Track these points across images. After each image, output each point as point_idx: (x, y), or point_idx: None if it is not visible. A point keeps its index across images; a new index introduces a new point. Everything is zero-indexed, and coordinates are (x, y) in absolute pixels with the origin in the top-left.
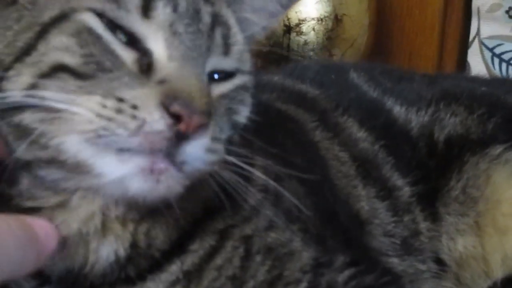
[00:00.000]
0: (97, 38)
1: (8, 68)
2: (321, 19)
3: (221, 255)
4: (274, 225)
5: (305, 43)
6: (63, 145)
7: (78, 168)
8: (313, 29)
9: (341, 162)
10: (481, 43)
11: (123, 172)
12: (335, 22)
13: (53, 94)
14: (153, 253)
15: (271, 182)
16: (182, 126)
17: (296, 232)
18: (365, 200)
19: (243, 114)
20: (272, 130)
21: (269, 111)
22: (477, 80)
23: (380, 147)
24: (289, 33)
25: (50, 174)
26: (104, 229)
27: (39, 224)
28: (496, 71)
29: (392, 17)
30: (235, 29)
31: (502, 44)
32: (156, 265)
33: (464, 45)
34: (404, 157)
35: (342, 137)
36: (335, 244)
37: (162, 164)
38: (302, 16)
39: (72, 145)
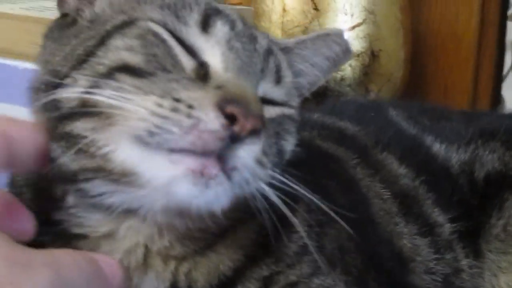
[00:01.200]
0: (162, 41)
1: (65, 77)
2: (358, 55)
3: None
4: (317, 270)
5: (342, 79)
6: (112, 153)
7: (125, 177)
8: (350, 65)
9: (383, 199)
10: None
11: (173, 174)
12: (371, 58)
13: (109, 94)
14: None
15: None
16: (236, 127)
17: (339, 276)
18: (407, 237)
19: (290, 142)
20: (314, 169)
21: (310, 149)
22: None
23: (420, 183)
24: None
25: (96, 187)
26: (145, 264)
27: (105, 261)
28: None
29: (427, 52)
30: (285, 69)
31: None
32: None
33: (498, 78)
34: (444, 194)
35: (383, 174)
36: (377, 286)
37: (212, 167)
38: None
39: (122, 150)
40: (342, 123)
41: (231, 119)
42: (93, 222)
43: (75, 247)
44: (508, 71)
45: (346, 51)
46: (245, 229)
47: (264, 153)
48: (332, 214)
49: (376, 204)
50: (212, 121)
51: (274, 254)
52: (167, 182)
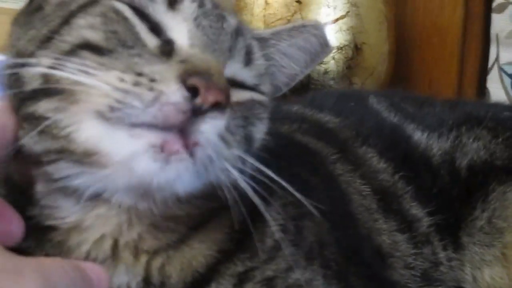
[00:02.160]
0: (123, 19)
1: (30, 56)
2: (341, 48)
3: None
4: (295, 264)
5: (326, 72)
6: (74, 133)
7: (88, 157)
8: (333, 58)
9: (363, 196)
10: (501, 69)
11: (133, 149)
12: (355, 51)
13: (71, 70)
14: None
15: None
16: (198, 100)
17: (317, 270)
18: (386, 233)
19: (260, 129)
20: (293, 165)
21: (290, 144)
22: (499, 105)
23: (399, 178)
24: None
25: (60, 169)
26: (115, 257)
27: (91, 268)
28: None
29: (412, 45)
30: (257, 52)
31: None
32: None
33: (483, 72)
34: (424, 186)
35: (363, 169)
36: (357, 281)
37: (173, 142)
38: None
39: (84, 129)
40: (322, 115)
41: (193, 92)
42: (62, 212)
43: (47, 240)
44: (493, 64)
45: (324, 45)
46: (218, 223)
47: (230, 131)
48: (310, 207)
49: (356, 200)
50: (174, 93)
51: (249, 249)
52: (128, 158)
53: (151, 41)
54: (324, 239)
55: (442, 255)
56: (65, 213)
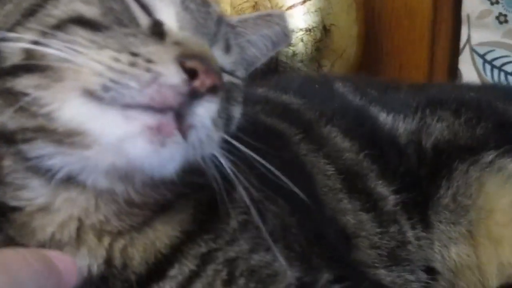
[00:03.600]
0: None
1: (10, 30)
2: (309, 30)
3: (201, 279)
4: (257, 246)
5: (294, 54)
6: (57, 111)
7: (69, 137)
8: (302, 40)
9: (327, 175)
10: (472, 50)
11: (127, 131)
12: (323, 33)
13: (59, 47)
14: (129, 275)
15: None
16: (197, 83)
17: (280, 251)
18: (351, 213)
19: (237, 110)
20: (256, 146)
21: (253, 125)
22: (466, 86)
23: (364, 156)
24: None
25: (35, 148)
26: (78, 239)
27: (58, 258)
28: (488, 78)
29: (381, 28)
30: (232, 40)
31: (493, 50)
32: None
33: (455, 53)
34: (390, 165)
35: (327, 149)
36: (321, 262)
37: (170, 125)
38: (290, 27)
39: (69, 108)
40: (286, 97)
41: (191, 74)
42: (30, 193)
43: (8, 221)
44: (465, 45)
45: (286, 35)
46: (183, 204)
47: (219, 115)
48: (275, 191)
49: (320, 181)
50: (172, 75)
51: (213, 231)
52: (120, 139)
53: (144, 20)
54: (288, 222)
55: (410, 234)
56: (33, 194)
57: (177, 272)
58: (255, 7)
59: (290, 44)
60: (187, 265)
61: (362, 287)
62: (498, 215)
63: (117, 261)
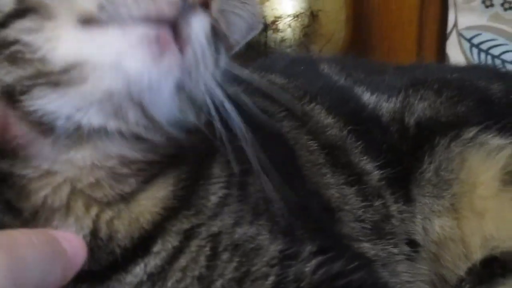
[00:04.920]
0: None
1: None
2: (297, 16)
3: (185, 255)
4: (240, 220)
5: (282, 40)
6: (51, 51)
7: (66, 74)
8: (290, 25)
9: (310, 151)
10: (459, 34)
11: (125, 46)
12: (311, 18)
13: None
14: (114, 248)
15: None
16: None
17: (263, 225)
18: (334, 187)
19: (223, 59)
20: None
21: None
22: (449, 67)
23: (348, 133)
24: (266, 31)
25: (34, 99)
26: (68, 207)
27: (65, 237)
28: (475, 61)
29: (369, 12)
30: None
31: (479, 34)
32: (119, 264)
33: (442, 37)
34: (374, 142)
35: (310, 125)
36: (304, 234)
37: (167, 35)
38: (278, 13)
39: (64, 41)
40: (271, 77)
41: None
42: (36, 160)
43: (8, 185)
44: (452, 29)
45: (260, 22)
46: (163, 180)
47: (210, 40)
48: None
49: (302, 156)
50: None
51: (194, 206)
52: (118, 56)
53: None
54: (271, 195)
55: (393, 208)
56: (39, 161)
57: (161, 248)
58: None
59: (278, 30)
60: (170, 242)
61: (344, 259)
62: (480, 188)
63: (103, 233)
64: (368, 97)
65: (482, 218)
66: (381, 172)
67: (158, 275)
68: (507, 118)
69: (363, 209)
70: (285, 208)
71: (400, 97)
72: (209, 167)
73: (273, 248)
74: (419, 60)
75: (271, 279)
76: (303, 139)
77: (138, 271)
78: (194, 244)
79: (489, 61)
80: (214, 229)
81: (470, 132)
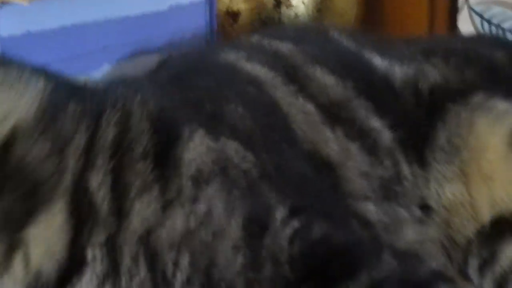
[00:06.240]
0: None
1: None
2: None
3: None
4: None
5: (296, 16)
6: None
7: None
8: (303, 2)
9: (306, 113)
10: (470, 8)
11: None
12: None
13: None
14: None
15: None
16: None
17: (219, 191)
18: (333, 141)
19: None
20: (220, 95)
21: (231, 72)
22: (454, 38)
23: (355, 92)
24: (279, 7)
25: None
26: None
27: None
28: None
29: None
30: None
31: (490, 8)
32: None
33: (453, 12)
34: (385, 104)
35: (310, 87)
36: (274, 198)
37: None
38: None
39: None
40: (277, 43)
41: None
42: None
43: None
44: (463, 5)
45: None
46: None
47: None
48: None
49: (297, 120)
50: None
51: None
52: None
53: None
54: (235, 160)
55: (406, 169)
56: None
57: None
58: None
59: (291, 5)
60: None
61: (326, 218)
62: (488, 152)
63: None
64: (380, 62)
65: (491, 181)
66: (393, 132)
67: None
68: None
69: (369, 165)
70: (254, 169)
71: (413, 64)
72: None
73: (234, 225)
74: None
75: (240, 261)
76: (299, 101)
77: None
78: (125, 253)
79: (500, 35)
80: (139, 229)
81: (478, 98)
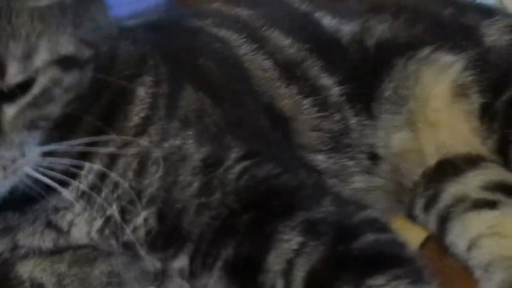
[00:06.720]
0: None
1: None
2: None
3: (113, 172)
4: (166, 135)
5: None
6: None
7: None
8: None
9: (265, 69)
10: None
11: None
12: None
13: None
14: None
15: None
16: None
17: (191, 134)
18: (288, 97)
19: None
20: (190, 51)
21: (197, 36)
22: None
23: (307, 51)
24: None
25: None
26: None
27: None
28: None
29: None
30: None
31: None
32: None
33: None
34: (334, 61)
35: (267, 47)
36: (234, 141)
37: None
38: None
39: None
40: (237, 9)
41: None
42: None
43: None
44: None
45: None
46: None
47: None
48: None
49: (256, 75)
50: None
51: (115, 129)
52: None
53: None
54: (206, 109)
55: (353, 121)
56: None
57: (89, 171)
58: None
59: None
60: (97, 163)
61: (272, 163)
62: (433, 101)
63: None
64: (329, 21)
65: (436, 128)
66: (341, 88)
67: (91, 192)
68: (458, 37)
69: (320, 119)
70: (222, 118)
71: (360, 21)
72: (132, 92)
73: (196, 157)
74: None
75: (196, 185)
76: (259, 59)
77: (71, 190)
78: (120, 163)
79: None
80: (144, 143)
81: (425, 51)
